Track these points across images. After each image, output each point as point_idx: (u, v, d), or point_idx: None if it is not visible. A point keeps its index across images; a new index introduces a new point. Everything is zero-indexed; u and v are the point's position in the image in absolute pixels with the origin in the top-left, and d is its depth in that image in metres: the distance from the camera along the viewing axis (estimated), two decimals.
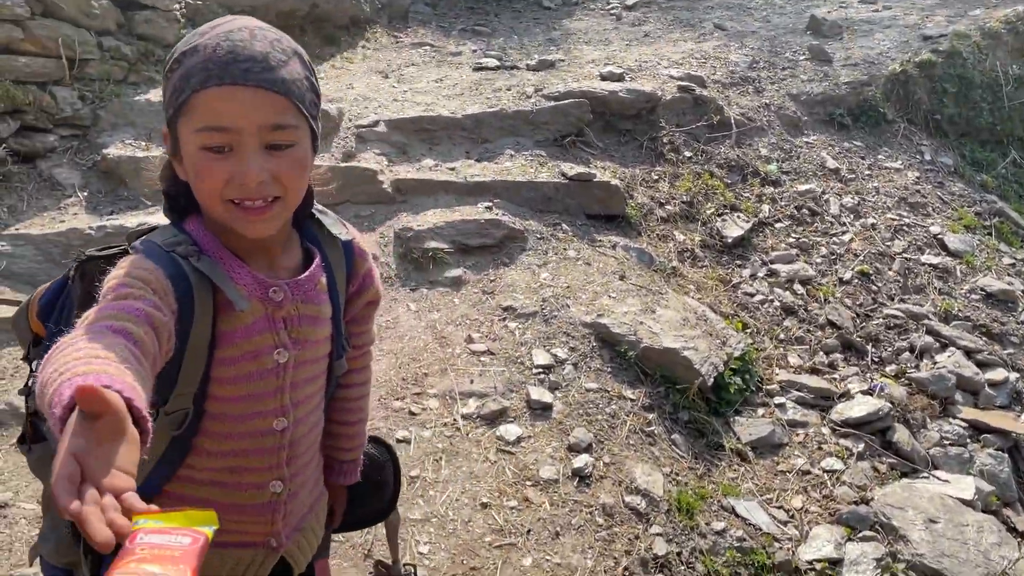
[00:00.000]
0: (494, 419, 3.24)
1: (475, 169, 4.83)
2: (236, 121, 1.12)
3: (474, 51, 7.12)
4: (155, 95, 4.83)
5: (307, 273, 1.35)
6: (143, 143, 4.55)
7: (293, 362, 1.33)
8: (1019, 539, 3.33)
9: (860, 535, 3.17)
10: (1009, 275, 5.25)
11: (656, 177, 5.30)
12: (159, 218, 4.24)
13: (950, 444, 3.80)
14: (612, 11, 8.76)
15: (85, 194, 4.27)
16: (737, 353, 3.89)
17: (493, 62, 6.54)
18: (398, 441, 3.09)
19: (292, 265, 1.36)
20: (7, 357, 3.42)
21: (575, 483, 3.00)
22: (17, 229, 3.93)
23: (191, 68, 1.13)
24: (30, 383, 1.29)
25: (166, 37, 5.23)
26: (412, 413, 3.26)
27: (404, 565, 1.95)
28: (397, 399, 3.33)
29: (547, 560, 2.68)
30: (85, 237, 3.85)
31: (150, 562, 0.74)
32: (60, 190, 4.27)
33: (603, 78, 5.96)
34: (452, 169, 4.84)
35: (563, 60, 6.67)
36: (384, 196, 4.52)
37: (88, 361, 0.89)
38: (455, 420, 3.22)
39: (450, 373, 3.48)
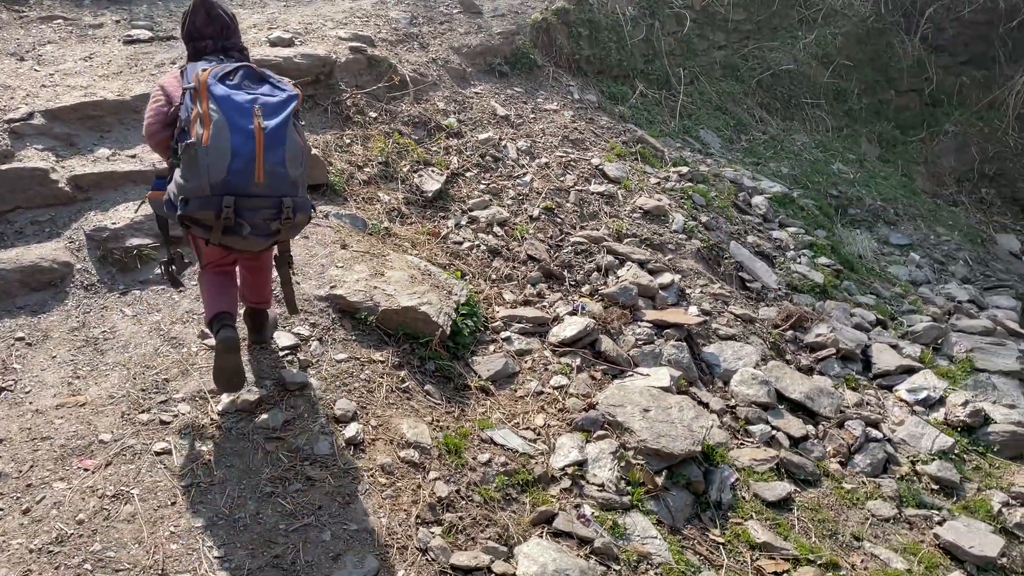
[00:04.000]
0: (253, 410, 3.20)
1: None
2: None
3: (117, 21, 6.49)
4: None
5: None
6: None
7: None
8: (707, 410, 4.12)
9: (596, 436, 3.70)
10: (657, 193, 6.21)
11: (348, 141, 5.37)
12: None
13: (643, 344, 4.51)
14: None
15: None
16: (463, 299, 4.22)
17: (145, 33, 6.05)
18: (157, 454, 2.94)
19: None
20: None
21: (351, 452, 3.12)
22: None
23: None
24: None
25: None
26: (164, 422, 3.10)
27: None
28: (142, 412, 3.13)
29: (345, 529, 2.79)
30: None
31: None
32: None
33: (272, 44, 5.83)
34: (133, 156, 4.48)
35: None
36: (63, 196, 4.08)
37: None
38: (213, 419, 3.14)
39: (193, 373, 3.35)
